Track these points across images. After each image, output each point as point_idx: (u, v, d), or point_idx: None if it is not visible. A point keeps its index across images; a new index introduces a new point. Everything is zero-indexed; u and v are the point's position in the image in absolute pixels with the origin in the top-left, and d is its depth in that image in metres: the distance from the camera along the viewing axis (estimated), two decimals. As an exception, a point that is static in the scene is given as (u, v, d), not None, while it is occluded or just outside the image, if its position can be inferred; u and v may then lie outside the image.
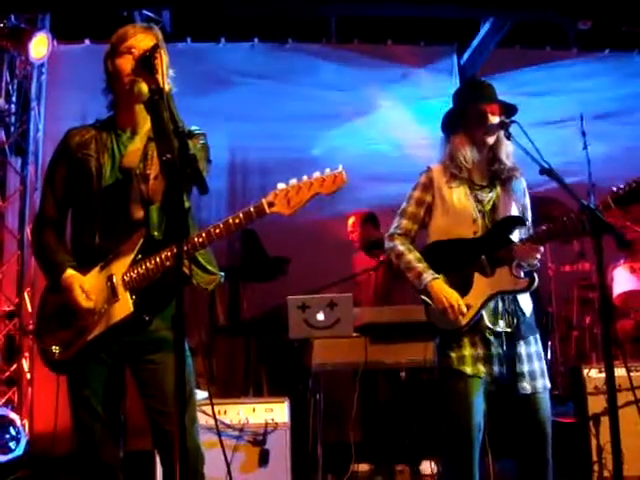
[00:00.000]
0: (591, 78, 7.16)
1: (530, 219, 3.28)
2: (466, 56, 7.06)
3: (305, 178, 2.50)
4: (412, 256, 3.21)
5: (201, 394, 4.09)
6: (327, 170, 2.50)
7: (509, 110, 3.20)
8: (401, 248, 3.24)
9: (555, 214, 3.95)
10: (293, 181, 2.50)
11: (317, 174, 2.50)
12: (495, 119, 3.13)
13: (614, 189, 2.81)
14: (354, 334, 4.41)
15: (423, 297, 3.15)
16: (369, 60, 6.97)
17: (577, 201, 2.68)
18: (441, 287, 3.09)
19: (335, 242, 6.18)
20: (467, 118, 3.20)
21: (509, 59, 7.03)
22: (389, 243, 3.30)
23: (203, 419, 3.72)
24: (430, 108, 6.69)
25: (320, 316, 4.36)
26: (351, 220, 6.01)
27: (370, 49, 7.01)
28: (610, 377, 2.55)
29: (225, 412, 4.08)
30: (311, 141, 6.69)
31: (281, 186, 2.49)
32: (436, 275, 3.13)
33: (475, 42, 6.80)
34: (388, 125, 7.04)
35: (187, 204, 2.47)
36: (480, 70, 6.94)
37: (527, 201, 3.30)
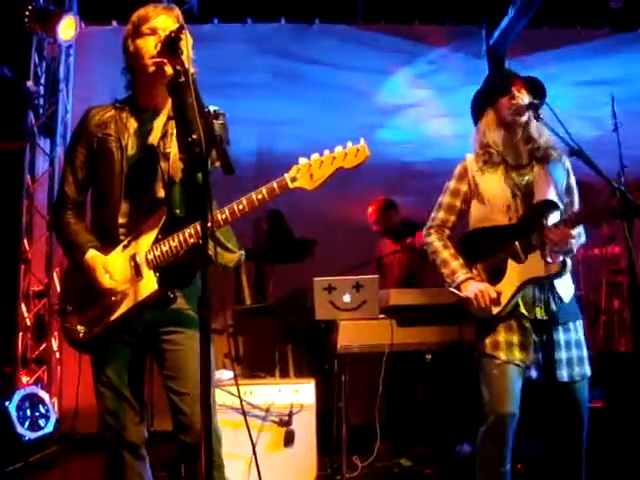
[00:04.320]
0: (623, 57, 7.02)
1: (577, 200, 3.21)
2: (495, 36, 6.93)
3: (327, 152, 2.48)
4: (447, 253, 3.21)
5: (227, 374, 4.12)
6: (349, 144, 2.48)
7: (535, 88, 3.14)
8: (437, 244, 3.25)
9: (586, 197, 3.89)
10: (315, 156, 2.48)
11: (339, 148, 2.48)
12: (523, 96, 3.08)
13: None
14: (380, 316, 4.40)
15: (454, 290, 3.14)
16: (396, 40, 6.90)
17: (608, 183, 2.63)
18: (473, 287, 3.07)
19: (361, 224, 6.14)
20: (493, 94, 3.16)
21: (538, 39, 6.90)
22: (426, 238, 3.31)
23: (229, 400, 3.76)
24: (458, 90, 6.61)
25: (346, 298, 4.34)
26: (370, 209, 6.01)
27: (397, 29, 6.94)
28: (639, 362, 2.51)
29: (251, 393, 4.09)
30: (339, 123, 6.65)
31: (303, 161, 2.48)
32: (469, 274, 3.12)
33: (504, 22, 6.67)
34: (415, 108, 6.98)
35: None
36: (509, 51, 6.84)
37: (572, 182, 3.22)
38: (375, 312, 4.37)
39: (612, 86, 6.28)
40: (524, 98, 3.09)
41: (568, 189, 3.19)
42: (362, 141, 2.49)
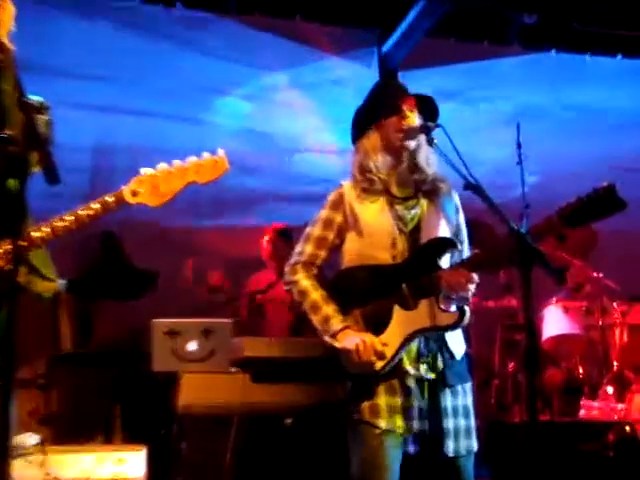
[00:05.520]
0: (532, 80, 7.43)
1: (466, 240, 3.30)
2: (389, 44, 7.15)
3: (178, 162, 2.46)
4: (318, 295, 3.17)
5: (32, 439, 3.95)
6: (205, 154, 2.49)
7: (428, 108, 3.24)
8: (305, 284, 3.20)
9: (482, 238, 4.03)
10: (162, 165, 2.46)
11: (193, 158, 2.48)
12: (414, 117, 3.17)
13: (562, 205, 2.76)
14: (232, 369, 4.39)
15: (329, 340, 3.10)
16: (272, 38, 7.00)
17: (506, 224, 2.71)
18: (353, 337, 3.04)
19: (216, 255, 6.15)
20: (379, 112, 3.21)
21: (440, 52, 7.18)
22: (290, 276, 3.26)
23: (33, 472, 3.61)
24: (342, 102, 6.77)
25: (192, 346, 4.32)
26: (264, 239, 6.10)
27: (275, 24, 7.03)
28: (533, 435, 2.60)
29: (64, 462, 3.94)
30: (193, 122, 6.65)
31: (147, 171, 2.45)
32: (346, 322, 3.09)
33: (401, 28, 6.89)
34: (289, 117, 7.09)
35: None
36: (405, 62, 7.07)
37: (461, 219, 3.31)
38: (226, 364, 4.36)
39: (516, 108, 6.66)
40: (415, 119, 3.18)
41: (457, 227, 3.28)
42: (221, 152, 2.50)
